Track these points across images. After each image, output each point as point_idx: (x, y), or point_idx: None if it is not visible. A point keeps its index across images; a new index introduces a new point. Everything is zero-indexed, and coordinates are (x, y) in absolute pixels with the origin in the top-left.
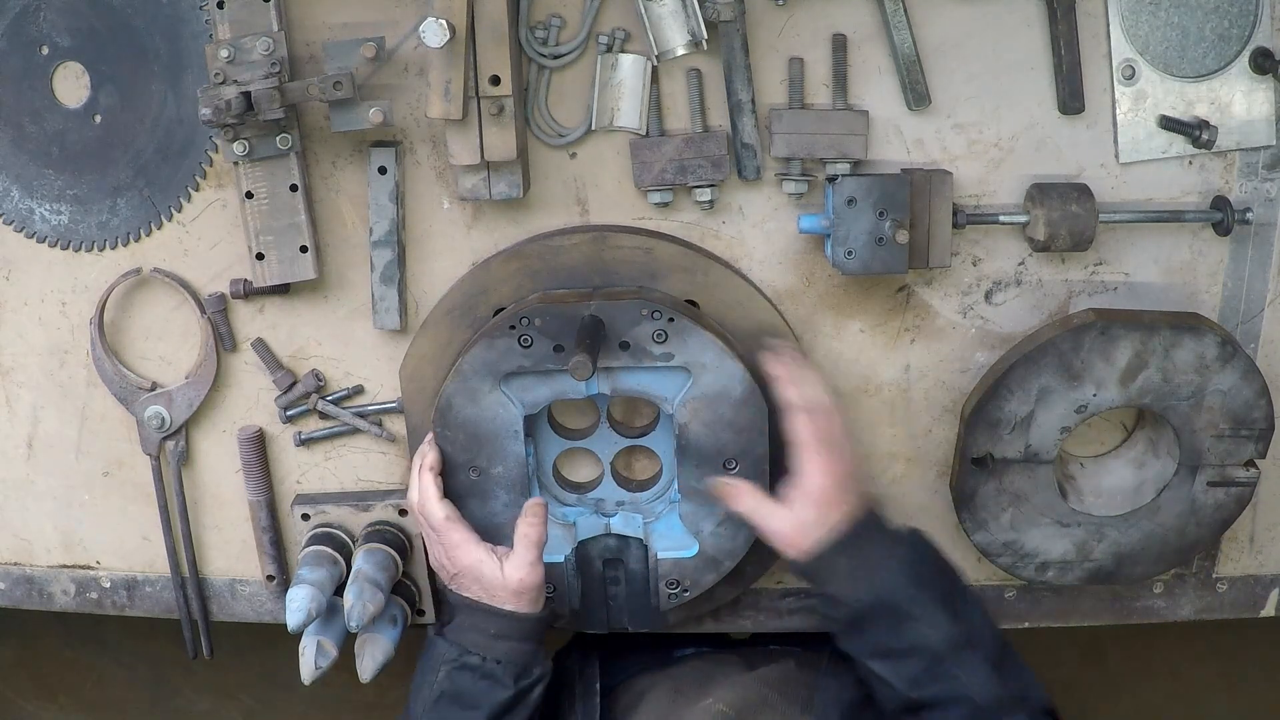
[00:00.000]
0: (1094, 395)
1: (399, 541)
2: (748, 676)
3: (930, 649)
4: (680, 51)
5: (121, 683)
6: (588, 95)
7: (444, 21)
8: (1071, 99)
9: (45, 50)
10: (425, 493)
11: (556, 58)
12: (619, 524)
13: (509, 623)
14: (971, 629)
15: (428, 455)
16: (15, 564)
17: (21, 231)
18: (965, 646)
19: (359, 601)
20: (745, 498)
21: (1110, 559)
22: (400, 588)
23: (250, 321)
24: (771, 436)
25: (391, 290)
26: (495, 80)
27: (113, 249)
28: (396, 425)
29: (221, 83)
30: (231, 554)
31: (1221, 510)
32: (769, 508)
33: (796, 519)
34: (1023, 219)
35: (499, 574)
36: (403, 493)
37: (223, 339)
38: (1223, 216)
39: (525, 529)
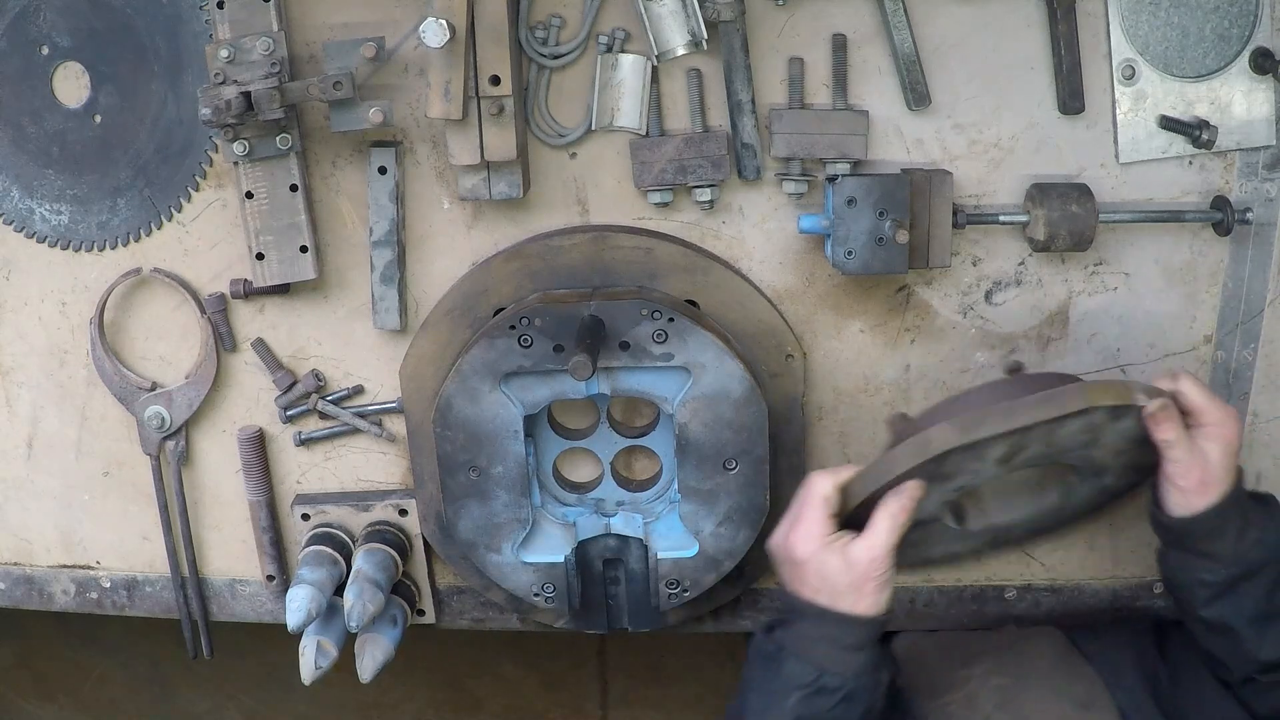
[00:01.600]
0: (973, 478)
1: (399, 541)
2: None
3: None
4: (680, 51)
5: (121, 683)
6: (588, 95)
7: (444, 21)
8: (1071, 99)
9: (45, 50)
10: (823, 476)
11: (556, 58)
12: (619, 524)
13: (858, 631)
14: None
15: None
16: (15, 564)
17: (21, 231)
18: None
19: (359, 601)
20: (1172, 427)
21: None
22: (400, 588)
23: (250, 321)
24: (773, 436)
25: (391, 290)
26: (495, 80)
27: (113, 249)
28: (396, 425)
29: (221, 83)
30: (231, 554)
31: None
32: (1190, 447)
33: (1208, 469)
34: (1023, 219)
35: (841, 560)
36: (403, 493)
37: (223, 339)
38: (1223, 216)
39: (894, 505)
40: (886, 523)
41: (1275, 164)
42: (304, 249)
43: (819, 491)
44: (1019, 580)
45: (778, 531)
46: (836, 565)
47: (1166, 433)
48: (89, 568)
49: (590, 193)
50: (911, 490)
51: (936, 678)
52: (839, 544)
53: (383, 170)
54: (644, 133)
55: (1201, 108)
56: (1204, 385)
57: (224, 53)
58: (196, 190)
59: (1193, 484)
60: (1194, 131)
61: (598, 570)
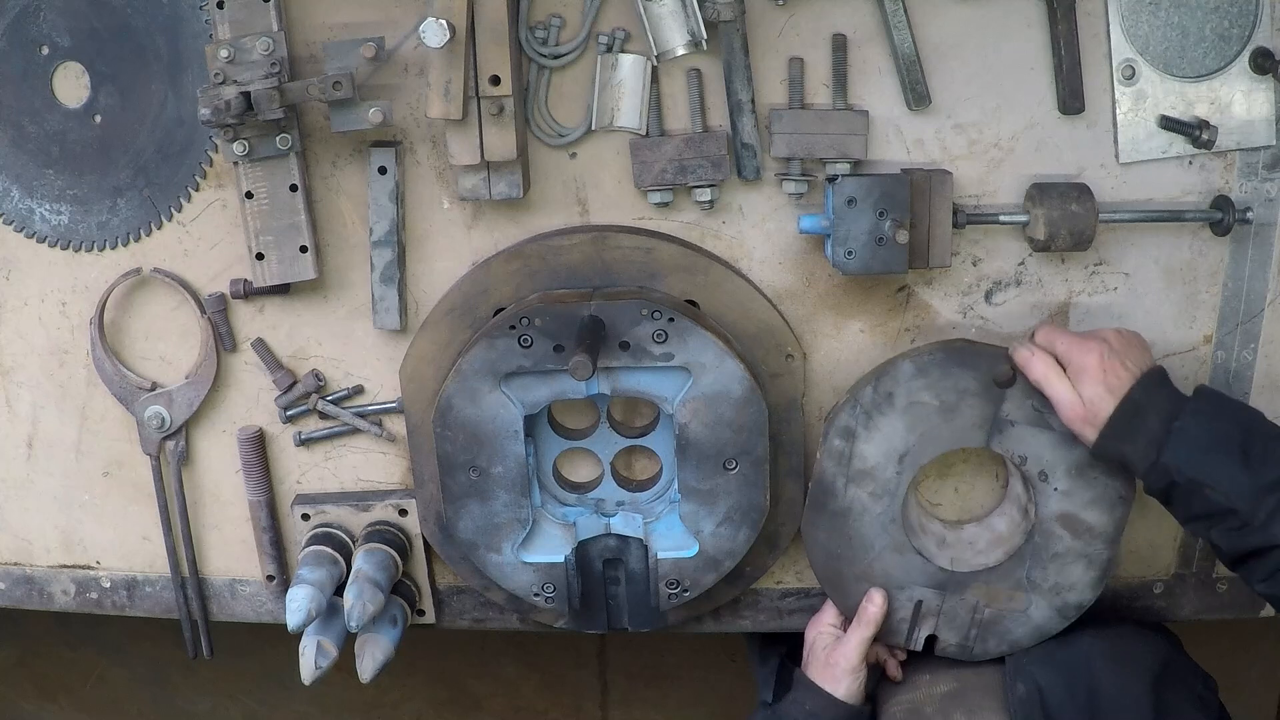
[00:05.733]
0: None
1: (399, 541)
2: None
3: (1234, 510)
4: (680, 51)
5: (121, 683)
6: (588, 95)
7: (444, 21)
8: (1071, 99)
9: (45, 50)
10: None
11: (556, 58)
12: (619, 524)
13: (826, 705)
14: (1274, 471)
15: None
16: (15, 564)
17: (21, 231)
18: (1271, 491)
19: (359, 601)
20: (1039, 365)
21: None
22: (400, 588)
23: (250, 321)
24: (773, 436)
25: (391, 290)
26: (495, 80)
27: (113, 249)
28: (396, 425)
29: (221, 83)
30: (231, 554)
31: None
32: (1060, 380)
33: (1084, 393)
34: (1023, 219)
35: (827, 649)
36: (403, 493)
37: (223, 339)
38: (1222, 216)
39: (865, 607)
40: (856, 632)
41: (1275, 164)
42: (304, 249)
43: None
44: None
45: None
46: (822, 648)
47: (1038, 371)
48: (89, 568)
49: (590, 193)
50: (879, 595)
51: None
52: (833, 634)
53: (383, 170)
54: (644, 133)
55: (1201, 108)
56: (1055, 327)
57: (224, 53)
58: (196, 190)
59: (1077, 418)
60: (1194, 131)
61: (598, 570)
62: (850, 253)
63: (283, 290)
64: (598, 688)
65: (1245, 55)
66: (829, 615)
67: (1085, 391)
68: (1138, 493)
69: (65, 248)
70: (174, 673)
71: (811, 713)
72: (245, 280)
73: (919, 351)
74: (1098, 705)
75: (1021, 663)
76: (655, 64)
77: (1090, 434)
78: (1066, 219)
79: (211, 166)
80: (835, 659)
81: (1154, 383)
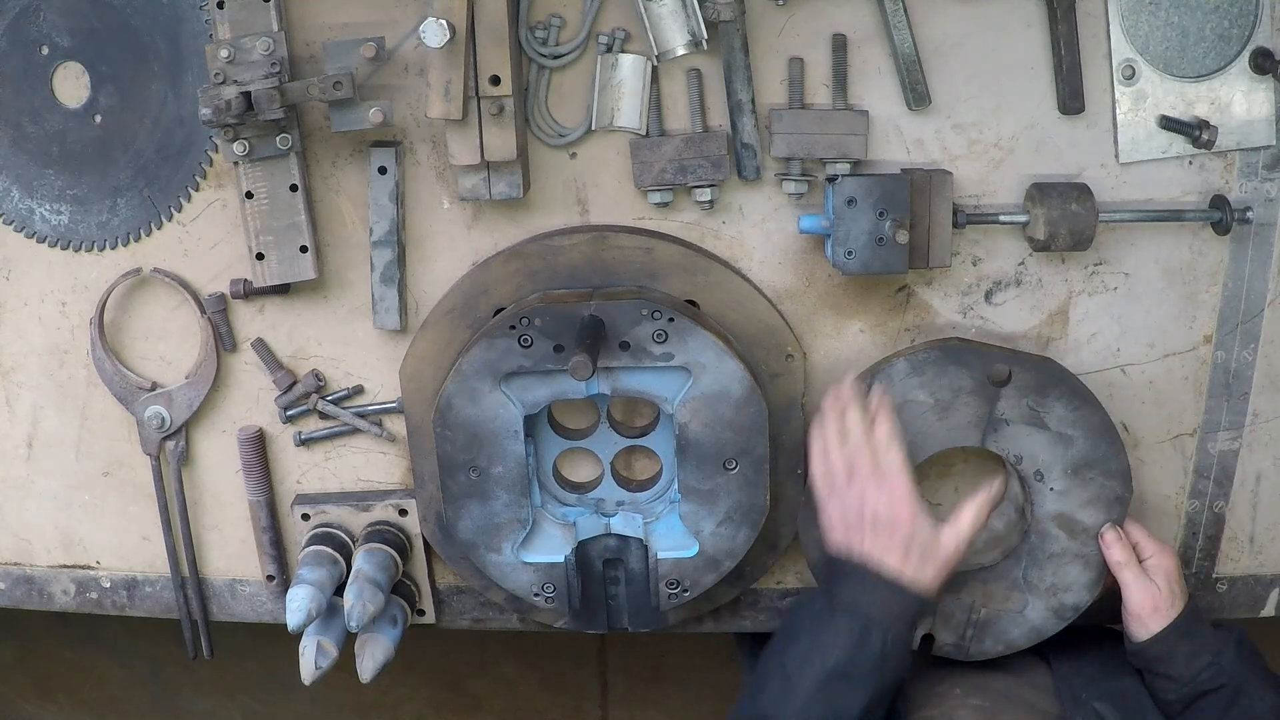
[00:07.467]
0: None
1: (399, 541)
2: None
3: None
4: (680, 51)
5: (121, 683)
6: (588, 95)
7: (444, 21)
8: (1071, 99)
9: (45, 50)
10: (887, 429)
11: (556, 58)
12: (619, 524)
13: (914, 603)
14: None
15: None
16: (15, 564)
17: (21, 231)
18: None
19: (359, 601)
20: (1123, 551)
21: None
22: (400, 588)
23: (250, 321)
24: (773, 436)
25: (391, 290)
26: (495, 80)
27: (113, 249)
28: (396, 425)
29: (221, 83)
30: (231, 554)
31: None
32: (1140, 574)
33: (1157, 594)
34: (1023, 219)
35: (930, 534)
36: (403, 493)
37: (223, 339)
38: (1221, 215)
39: (983, 498)
40: (973, 515)
41: (1275, 164)
42: (304, 249)
43: (904, 455)
44: None
45: (829, 477)
46: (924, 536)
47: (1118, 555)
48: (89, 568)
49: (590, 193)
50: (999, 487)
51: (911, 689)
52: (930, 516)
53: (383, 170)
54: (644, 133)
55: (1201, 108)
56: (1142, 525)
57: (224, 53)
58: (196, 190)
59: (1146, 608)
60: (1194, 131)
61: (598, 570)
62: (850, 253)
63: (283, 290)
64: (598, 688)
65: (1245, 55)
66: (908, 485)
67: (1161, 585)
68: (1135, 495)
69: (65, 248)
70: (174, 673)
71: (889, 604)
72: (245, 280)
73: (914, 350)
74: None
75: (1080, 696)
76: (655, 64)
77: (1154, 624)
78: (1066, 219)
79: (211, 166)
80: (945, 544)
81: (1199, 613)
